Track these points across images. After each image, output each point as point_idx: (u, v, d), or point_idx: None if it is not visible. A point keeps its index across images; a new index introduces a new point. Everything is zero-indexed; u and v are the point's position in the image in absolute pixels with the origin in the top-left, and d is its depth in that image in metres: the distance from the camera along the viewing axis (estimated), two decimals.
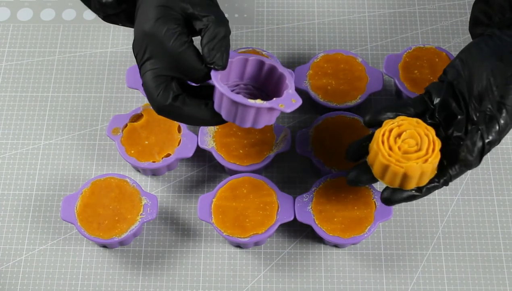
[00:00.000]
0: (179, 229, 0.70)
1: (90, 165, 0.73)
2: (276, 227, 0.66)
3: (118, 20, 0.65)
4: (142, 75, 0.59)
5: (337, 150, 0.70)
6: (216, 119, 0.60)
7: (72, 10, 0.83)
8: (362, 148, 0.64)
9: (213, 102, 0.60)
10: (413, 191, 0.61)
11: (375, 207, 0.67)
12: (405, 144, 0.60)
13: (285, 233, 0.70)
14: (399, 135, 0.61)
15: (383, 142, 0.60)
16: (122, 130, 0.71)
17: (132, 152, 0.70)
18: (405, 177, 0.60)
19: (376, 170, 0.61)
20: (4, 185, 0.73)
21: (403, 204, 0.70)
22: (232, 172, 0.70)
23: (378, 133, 0.61)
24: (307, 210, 0.67)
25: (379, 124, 0.62)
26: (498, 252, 0.69)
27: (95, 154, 0.74)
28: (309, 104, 0.76)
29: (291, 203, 0.67)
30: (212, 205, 0.67)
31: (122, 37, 0.81)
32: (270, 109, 0.59)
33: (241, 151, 0.70)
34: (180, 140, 0.70)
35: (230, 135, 0.70)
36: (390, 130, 0.61)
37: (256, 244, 0.69)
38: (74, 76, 0.79)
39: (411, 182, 0.60)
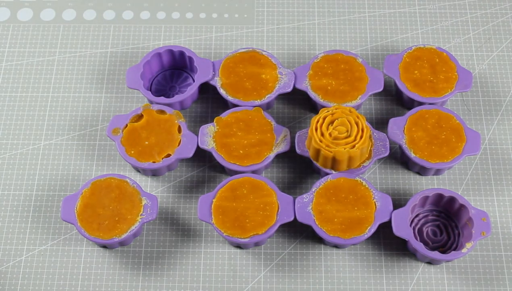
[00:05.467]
0: (179, 230, 0.70)
1: (90, 165, 0.73)
2: (276, 227, 0.66)
3: None
4: None
5: None
6: None
7: (72, 10, 0.83)
8: None
9: None
10: None
11: (375, 207, 0.67)
12: (336, 131, 0.67)
13: (285, 233, 0.70)
14: (331, 122, 0.68)
15: (316, 129, 0.67)
16: (122, 131, 0.71)
17: (132, 152, 0.70)
18: (335, 161, 0.67)
19: (311, 153, 0.69)
20: (4, 185, 0.73)
21: None
22: (232, 172, 0.70)
23: (313, 120, 0.68)
24: (307, 210, 0.67)
25: None
26: (498, 253, 0.69)
27: (95, 154, 0.74)
28: (309, 105, 0.76)
29: (291, 204, 0.67)
30: (212, 205, 0.67)
31: (122, 37, 0.81)
32: None
33: (241, 151, 0.70)
34: (180, 140, 0.70)
35: (230, 135, 0.70)
36: (324, 118, 0.68)
37: (256, 244, 0.69)
38: (74, 76, 0.79)
39: (342, 165, 0.68)
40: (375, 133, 0.70)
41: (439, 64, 0.74)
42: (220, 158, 0.70)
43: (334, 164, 0.68)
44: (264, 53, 0.75)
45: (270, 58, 0.75)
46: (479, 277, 0.68)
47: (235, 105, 0.73)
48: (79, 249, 0.69)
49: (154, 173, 0.72)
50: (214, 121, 0.71)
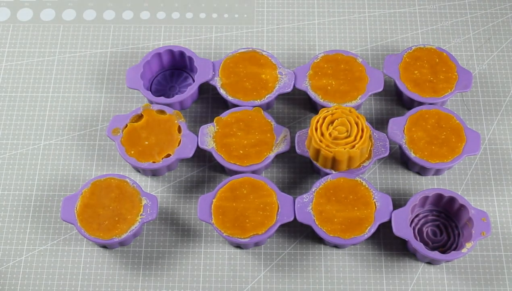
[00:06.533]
0: (179, 230, 0.70)
1: (90, 165, 0.73)
2: (276, 227, 0.66)
3: None
4: None
5: None
6: None
7: (72, 10, 0.83)
8: None
9: None
10: None
11: (375, 207, 0.67)
12: (336, 131, 0.67)
13: (285, 233, 0.70)
14: (331, 122, 0.67)
15: (316, 129, 0.67)
16: (122, 131, 0.71)
17: (132, 152, 0.70)
18: (334, 161, 0.67)
19: (311, 153, 0.69)
20: (4, 185, 0.73)
21: None
22: (232, 173, 0.70)
23: (313, 120, 0.68)
24: (307, 210, 0.67)
25: None
26: (498, 253, 0.69)
27: (95, 154, 0.74)
28: (309, 105, 0.76)
29: (291, 204, 0.67)
30: (212, 206, 0.67)
31: (122, 37, 0.81)
32: None
33: (241, 151, 0.70)
34: (180, 140, 0.70)
35: (230, 135, 0.70)
36: (324, 118, 0.68)
37: (256, 244, 0.69)
38: (74, 76, 0.79)
39: (342, 165, 0.68)
40: (375, 133, 0.70)
41: (439, 64, 0.74)
42: (220, 158, 0.70)
43: (334, 164, 0.68)
44: (264, 53, 0.75)
45: (270, 58, 0.75)
46: (479, 277, 0.68)
47: (235, 105, 0.73)
48: (79, 249, 0.69)
49: (154, 173, 0.72)
50: (214, 121, 0.71)
